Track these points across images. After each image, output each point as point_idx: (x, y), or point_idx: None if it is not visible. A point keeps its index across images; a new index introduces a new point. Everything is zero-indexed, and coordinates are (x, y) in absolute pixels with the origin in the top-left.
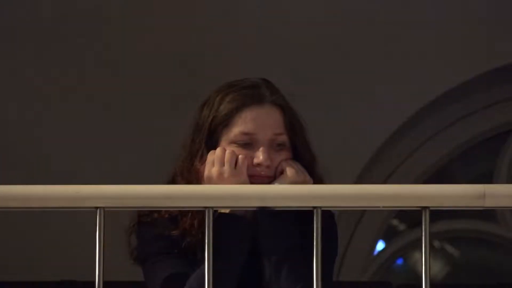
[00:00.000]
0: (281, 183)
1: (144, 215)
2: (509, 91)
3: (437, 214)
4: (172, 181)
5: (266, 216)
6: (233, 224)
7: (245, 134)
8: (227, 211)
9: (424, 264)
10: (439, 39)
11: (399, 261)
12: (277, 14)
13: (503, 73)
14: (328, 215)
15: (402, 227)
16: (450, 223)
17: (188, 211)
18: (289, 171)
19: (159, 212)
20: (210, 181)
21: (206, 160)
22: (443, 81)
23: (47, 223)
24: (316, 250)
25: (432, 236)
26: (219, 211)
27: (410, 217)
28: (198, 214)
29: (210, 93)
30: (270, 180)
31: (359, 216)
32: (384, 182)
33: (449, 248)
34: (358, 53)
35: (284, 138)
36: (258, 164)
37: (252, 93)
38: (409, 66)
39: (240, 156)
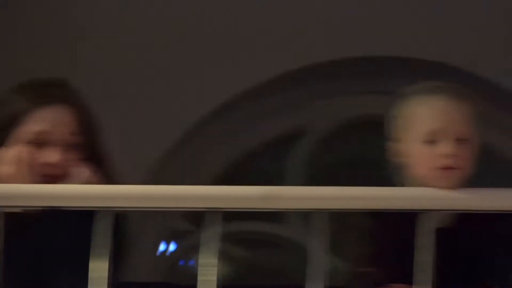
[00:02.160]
0: (71, 183)
1: None
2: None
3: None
4: None
5: None
6: (22, 224)
7: (37, 133)
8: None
9: None
10: None
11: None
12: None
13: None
14: None
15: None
16: (237, 225)
17: None
18: (80, 171)
19: None
20: (0, 180)
21: None
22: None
23: None
24: None
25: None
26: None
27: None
28: None
29: (2, 91)
30: (62, 179)
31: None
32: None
33: (237, 250)
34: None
35: (77, 138)
36: (50, 164)
37: (45, 92)
38: None
39: (31, 156)
